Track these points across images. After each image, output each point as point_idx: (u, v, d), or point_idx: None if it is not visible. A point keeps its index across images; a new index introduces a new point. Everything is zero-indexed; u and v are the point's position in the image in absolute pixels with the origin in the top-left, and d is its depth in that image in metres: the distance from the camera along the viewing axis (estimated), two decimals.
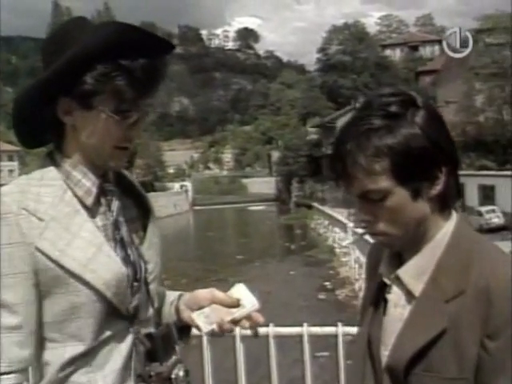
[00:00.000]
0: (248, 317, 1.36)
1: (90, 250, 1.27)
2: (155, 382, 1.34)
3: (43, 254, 1.24)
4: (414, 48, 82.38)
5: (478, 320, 1.08)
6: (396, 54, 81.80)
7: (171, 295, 1.55)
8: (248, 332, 2.54)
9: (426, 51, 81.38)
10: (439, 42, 75.15)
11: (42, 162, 1.37)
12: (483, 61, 31.32)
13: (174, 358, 1.39)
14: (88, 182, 1.33)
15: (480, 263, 1.12)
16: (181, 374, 1.38)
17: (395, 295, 1.22)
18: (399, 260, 1.23)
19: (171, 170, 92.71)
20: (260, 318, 1.37)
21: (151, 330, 1.39)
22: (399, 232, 1.16)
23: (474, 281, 1.10)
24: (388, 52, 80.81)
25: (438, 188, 1.14)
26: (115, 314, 1.31)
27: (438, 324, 1.11)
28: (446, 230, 1.19)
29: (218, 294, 1.39)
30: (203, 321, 1.37)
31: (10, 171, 55.31)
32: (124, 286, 1.31)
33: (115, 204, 1.37)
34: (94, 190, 1.33)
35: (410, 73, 63.33)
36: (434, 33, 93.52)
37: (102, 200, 1.36)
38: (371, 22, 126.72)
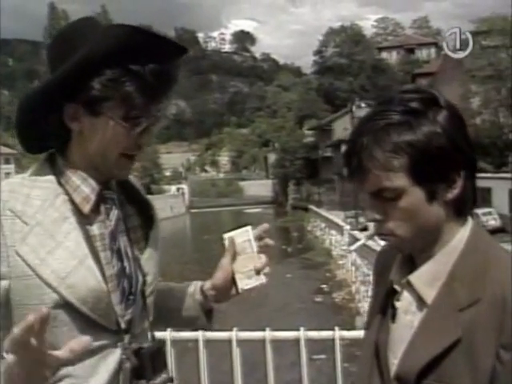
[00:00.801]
0: (259, 238, 1.45)
1: (70, 263, 1.20)
2: None
3: (23, 259, 1.18)
4: (411, 50, 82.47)
5: (494, 330, 1.04)
6: (392, 57, 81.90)
7: (191, 286, 1.52)
8: (244, 336, 2.56)
9: (422, 54, 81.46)
10: (435, 44, 75.51)
11: (40, 165, 1.31)
12: (479, 63, 31.34)
13: (163, 376, 1.31)
14: (87, 189, 1.27)
15: (496, 270, 1.08)
16: None
17: (405, 302, 1.18)
18: (411, 266, 1.19)
19: (168, 173, 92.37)
20: (265, 225, 1.48)
21: (145, 344, 1.31)
22: (409, 234, 1.11)
23: (491, 289, 1.06)
24: (384, 54, 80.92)
25: (455, 192, 1.09)
26: (100, 327, 1.24)
27: (452, 333, 1.06)
28: (461, 235, 1.14)
29: (226, 259, 1.44)
30: (247, 274, 1.42)
31: (7, 174, 55.01)
32: (105, 301, 1.24)
33: (114, 213, 1.31)
34: (93, 197, 1.27)
35: (406, 75, 63.25)
36: (430, 35, 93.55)
37: (102, 208, 1.29)
38: (368, 24, 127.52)
